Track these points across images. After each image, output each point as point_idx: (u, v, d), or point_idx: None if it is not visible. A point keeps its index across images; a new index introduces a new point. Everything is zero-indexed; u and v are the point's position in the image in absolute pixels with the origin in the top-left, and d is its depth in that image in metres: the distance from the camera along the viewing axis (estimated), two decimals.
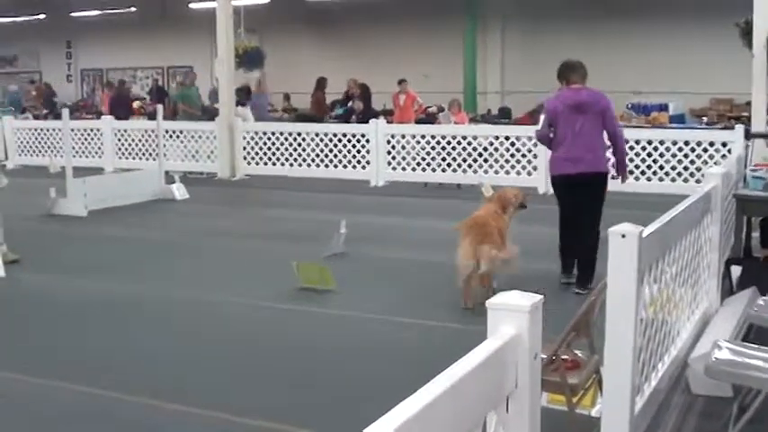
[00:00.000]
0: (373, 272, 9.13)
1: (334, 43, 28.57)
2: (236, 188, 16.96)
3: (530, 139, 15.42)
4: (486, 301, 2.60)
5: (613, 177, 8.58)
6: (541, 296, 2.65)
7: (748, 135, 11.57)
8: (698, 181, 12.80)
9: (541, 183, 14.45)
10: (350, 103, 20.51)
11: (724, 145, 13.83)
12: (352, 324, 7.17)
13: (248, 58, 19.53)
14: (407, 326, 7.03)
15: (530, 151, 15.40)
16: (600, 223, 7.98)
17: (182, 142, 18.62)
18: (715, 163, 13.13)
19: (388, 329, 6.96)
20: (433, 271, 9.02)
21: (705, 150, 14.04)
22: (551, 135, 8.23)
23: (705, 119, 21.35)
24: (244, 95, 19.83)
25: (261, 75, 20.13)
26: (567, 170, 8.07)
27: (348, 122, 19.51)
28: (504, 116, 24.60)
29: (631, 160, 13.97)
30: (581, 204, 8.10)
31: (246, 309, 7.65)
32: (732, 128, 14.88)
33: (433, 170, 16.30)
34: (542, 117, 8.41)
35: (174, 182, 15.13)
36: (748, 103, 16.98)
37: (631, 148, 14.11)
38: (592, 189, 8.10)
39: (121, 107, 22.36)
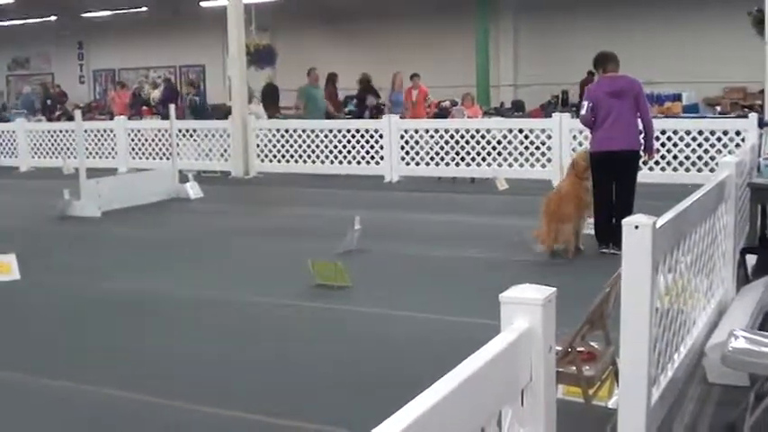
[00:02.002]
0: (389, 268, 9.11)
1: (346, 40, 28.61)
2: (250, 186, 17.00)
3: (543, 131, 15.43)
4: (500, 295, 2.60)
5: (642, 156, 9.57)
6: (554, 289, 2.65)
7: (762, 123, 11.57)
8: (712, 170, 12.75)
9: (555, 175, 14.38)
10: (367, 101, 20.51)
11: (738, 134, 13.76)
12: (367, 320, 7.16)
13: (259, 56, 19.59)
14: (424, 321, 7.02)
15: (543, 143, 15.37)
16: (634, 195, 9.18)
17: (195, 141, 18.66)
18: (729, 152, 13.07)
19: (404, 325, 6.95)
20: (450, 266, 9.04)
21: (719, 139, 13.96)
22: (593, 118, 9.24)
23: (718, 108, 21.29)
24: (270, 94, 19.93)
25: (396, 73, 19.94)
26: (607, 147, 9.14)
27: (362, 118, 19.51)
28: (517, 109, 24.64)
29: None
30: (617, 179, 9.20)
31: (262, 307, 7.65)
32: (745, 116, 14.82)
33: (447, 164, 16.29)
34: (584, 103, 9.36)
35: (187, 181, 15.17)
36: (761, 92, 16.98)
37: None
38: (627, 164, 9.23)
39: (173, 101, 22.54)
